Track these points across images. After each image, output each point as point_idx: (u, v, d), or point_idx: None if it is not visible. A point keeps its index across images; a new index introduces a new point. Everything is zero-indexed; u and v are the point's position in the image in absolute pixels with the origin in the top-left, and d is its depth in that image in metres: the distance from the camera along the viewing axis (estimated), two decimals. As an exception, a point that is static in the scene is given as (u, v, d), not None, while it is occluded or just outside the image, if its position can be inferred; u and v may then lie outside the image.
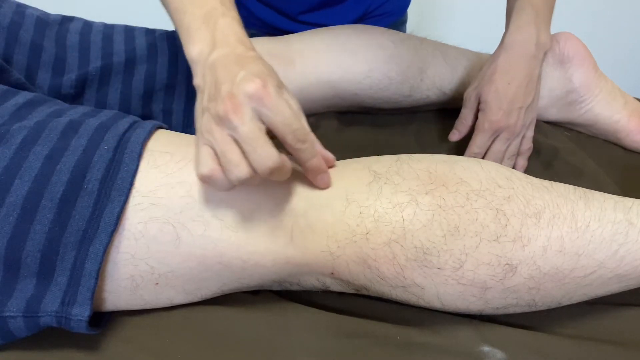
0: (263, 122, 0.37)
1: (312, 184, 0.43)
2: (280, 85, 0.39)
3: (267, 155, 0.37)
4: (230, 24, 0.43)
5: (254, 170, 0.37)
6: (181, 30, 0.45)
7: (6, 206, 0.38)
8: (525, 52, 0.58)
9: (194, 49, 0.43)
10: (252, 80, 0.37)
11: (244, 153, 0.37)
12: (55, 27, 0.61)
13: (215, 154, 0.38)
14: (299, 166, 0.42)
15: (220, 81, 0.38)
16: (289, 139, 0.38)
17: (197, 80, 0.42)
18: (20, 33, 0.57)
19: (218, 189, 0.39)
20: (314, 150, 0.40)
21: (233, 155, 0.37)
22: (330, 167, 0.45)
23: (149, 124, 0.45)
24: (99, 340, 0.42)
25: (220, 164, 0.38)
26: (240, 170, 0.37)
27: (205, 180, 0.39)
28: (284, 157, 0.38)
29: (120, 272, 0.40)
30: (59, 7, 0.75)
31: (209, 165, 0.38)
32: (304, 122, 0.40)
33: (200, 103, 0.41)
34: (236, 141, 0.37)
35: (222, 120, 0.37)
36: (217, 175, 0.38)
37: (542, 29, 0.58)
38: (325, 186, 0.43)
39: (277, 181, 0.41)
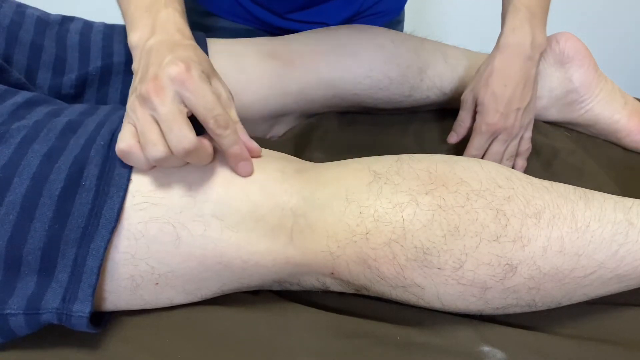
0: (185, 106, 0.39)
1: (312, 185, 0.43)
2: (208, 73, 0.41)
3: (183, 136, 0.38)
4: (172, 14, 0.46)
5: (170, 150, 0.38)
6: (126, 19, 0.48)
7: (6, 205, 0.38)
8: (521, 53, 0.58)
9: (135, 36, 0.46)
10: (176, 64, 0.39)
11: (162, 133, 0.38)
12: (55, 27, 0.61)
13: (137, 132, 0.40)
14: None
15: (150, 64, 0.41)
16: (210, 124, 0.39)
17: (134, 64, 0.45)
18: (20, 33, 0.57)
19: (135, 165, 0.41)
20: (236, 137, 0.41)
21: (151, 134, 0.38)
22: (256, 157, 0.45)
23: None
24: (99, 339, 0.42)
25: (139, 141, 0.39)
26: (157, 149, 0.38)
27: (123, 156, 0.40)
28: (205, 142, 0.40)
29: (121, 272, 0.40)
30: (59, 7, 0.75)
31: (127, 141, 0.39)
32: (230, 110, 0.42)
33: (133, 84, 0.43)
34: (156, 121, 0.39)
35: (145, 100, 0.39)
36: (134, 151, 0.39)
37: (538, 29, 0.59)
38: (245, 174, 0.43)
39: (199, 165, 0.42)
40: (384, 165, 0.44)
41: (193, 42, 0.44)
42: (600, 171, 0.66)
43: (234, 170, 0.43)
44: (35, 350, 0.41)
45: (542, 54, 0.60)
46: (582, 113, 0.72)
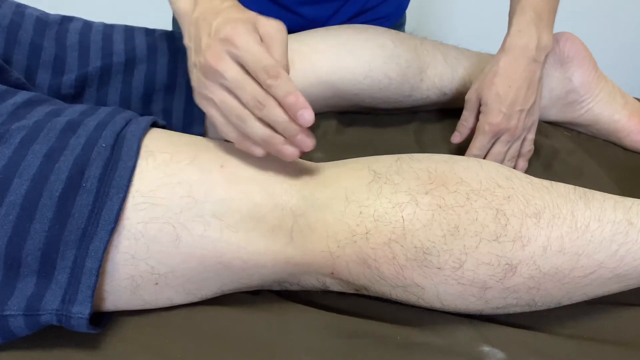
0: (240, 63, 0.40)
1: (312, 185, 0.43)
2: (254, 27, 0.41)
3: (258, 92, 0.39)
4: None
5: (249, 103, 0.39)
6: None
7: (6, 205, 0.38)
8: (526, 55, 0.59)
9: (180, 6, 0.48)
10: (222, 27, 0.40)
11: (237, 98, 0.40)
12: (55, 27, 0.61)
13: (216, 106, 0.41)
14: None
15: (201, 35, 0.42)
16: (260, 75, 0.39)
17: (185, 40, 0.46)
18: (20, 33, 0.57)
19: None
20: (290, 86, 0.39)
21: (232, 102, 0.40)
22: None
23: (144, 120, 0.45)
24: (99, 340, 0.42)
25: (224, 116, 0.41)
26: (242, 114, 0.40)
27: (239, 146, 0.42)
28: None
29: (120, 272, 0.40)
30: (59, 7, 0.75)
31: (228, 132, 0.42)
32: (279, 58, 0.40)
33: (190, 60, 0.44)
34: (227, 88, 0.40)
35: (209, 72, 0.40)
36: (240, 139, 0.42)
37: (544, 31, 0.59)
38: (307, 123, 0.39)
39: (283, 161, 0.42)
40: (383, 165, 0.44)
41: (234, 2, 0.45)
42: (600, 171, 0.66)
43: (296, 121, 0.39)
44: (35, 350, 0.41)
45: (547, 57, 0.60)
46: (582, 113, 0.72)
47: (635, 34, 1.54)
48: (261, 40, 0.41)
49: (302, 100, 0.39)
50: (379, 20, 0.86)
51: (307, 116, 0.39)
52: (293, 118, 0.39)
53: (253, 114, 0.40)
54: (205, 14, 0.43)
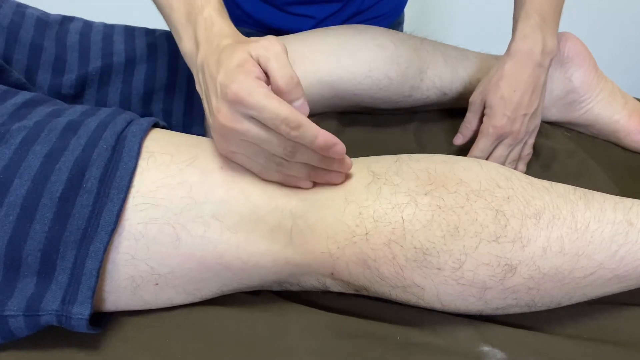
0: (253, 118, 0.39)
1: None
2: (258, 73, 0.39)
3: (282, 141, 0.39)
4: (209, 17, 0.45)
5: (280, 153, 0.40)
6: (171, 26, 0.49)
7: (6, 206, 0.38)
8: (532, 60, 0.59)
9: (185, 48, 0.47)
10: (228, 85, 0.38)
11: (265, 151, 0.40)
12: (55, 27, 0.61)
13: (249, 158, 0.41)
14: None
15: (209, 93, 0.41)
16: (283, 129, 0.38)
17: (197, 87, 0.46)
18: (20, 33, 0.58)
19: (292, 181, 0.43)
20: (313, 129, 0.39)
21: (264, 154, 0.40)
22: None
23: (145, 121, 0.45)
24: (99, 340, 0.42)
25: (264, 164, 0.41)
26: (278, 162, 0.41)
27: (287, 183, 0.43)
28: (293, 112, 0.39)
29: (120, 273, 0.40)
30: (59, 7, 0.75)
31: (272, 177, 0.42)
32: (283, 73, 0.39)
33: (205, 110, 0.44)
34: (253, 143, 0.40)
35: (228, 135, 0.40)
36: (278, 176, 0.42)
37: (549, 36, 0.59)
38: (340, 155, 0.41)
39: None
40: (383, 165, 0.44)
41: (232, 40, 0.43)
42: (600, 171, 0.66)
43: (333, 156, 0.40)
44: (35, 350, 0.41)
45: (552, 61, 0.61)
46: (582, 113, 0.72)
47: (635, 34, 1.54)
48: (260, 64, 0.40)
49: (330, 139, 0.39)
50: (376, 19, 0.86)
51: (340, 149, 0.40)
52: (326, 156, 0.41)
53: (286, 159, 0.41)
54: (208, 61, 0.42)
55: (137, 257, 0.40)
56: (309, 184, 0.43)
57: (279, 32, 0.75)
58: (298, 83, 0.40)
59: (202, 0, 0.46)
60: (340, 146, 0.40)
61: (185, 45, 0.46)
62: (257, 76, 0.39)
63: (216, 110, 0.39)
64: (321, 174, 0.43)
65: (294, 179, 0.43)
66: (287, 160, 0.41)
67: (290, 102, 0.39)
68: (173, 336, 0.43)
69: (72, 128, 0.43)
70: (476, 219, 0.40)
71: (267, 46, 0.40)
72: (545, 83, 0.62)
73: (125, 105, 0.61)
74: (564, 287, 0.42)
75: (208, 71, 0.42)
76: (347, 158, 0.42)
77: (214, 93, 0.40)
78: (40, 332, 0.40)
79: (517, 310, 0.44)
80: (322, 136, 0.39)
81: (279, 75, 0.39)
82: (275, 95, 0.38)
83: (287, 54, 0.41)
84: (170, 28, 0.49)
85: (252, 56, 0.40)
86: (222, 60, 0.40)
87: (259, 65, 0.40)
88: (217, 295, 0.45)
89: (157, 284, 0.42)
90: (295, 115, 0.38)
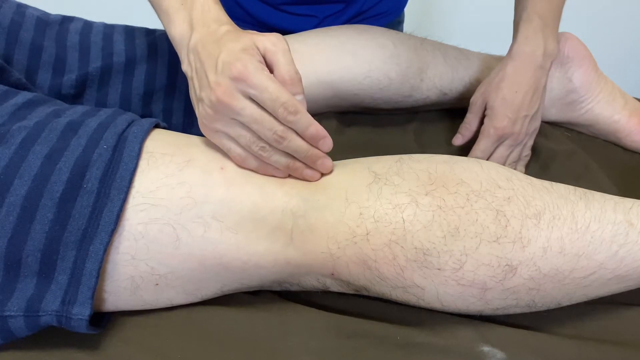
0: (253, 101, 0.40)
1: (312, 186, 0.43)
2: (260, 60, 0.41)
3: (275, 124, 0.40)
4: (205, 3, 0.46)
5: (268, 137, 0.41)
6: (161, 13, 0.48)
7: (6, 206, 0.38)
8: (533, 62, 0.60)
9: (174, 31, 0.46)
10: (232, 64, 0.39)
11: (253, 132, 0.41)
12: (55, 27, 0.61)
13: (232, 139, 0.42)
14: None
15: (205, 68, 0.42)
16: (280, 113, 0.40)
17: (184, 67, 0.46)
18: (20, 33, 0.58)
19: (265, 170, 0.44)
20: (308, 119, 0.41)
21: (251, 137, 0.41)
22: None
23: (146, 122, 0.45)
24: (99, 340, 0.42)
25: (242, 146, 0.42)
26: (263, 147, 0.41)
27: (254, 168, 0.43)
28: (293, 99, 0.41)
29: (120, 273, 0.40)
30: (59, 7, 0.75)
31: (249, 164, 0.43)
32: (287, 69, 0.41)
33: (193, 91, 0.44)
34: (242, 123, 0.40)
35: (220, 109, 0.41)
36: (257, 165, 0.43)
37: (550, 38, 0.60)
38: (328, 149, 0.44)
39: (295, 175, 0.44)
40: (383, 165, 0.44)
41: (231, 27, 0.44)
42: (600, 171, 0.66)
43: (318, 147, 0.43)
44: (35, 351, 0.41)
45: (552, 63, 0.61)
46: (582, 113, 0.72)
47: (635, 34, 1.54)
48: (264, 58, 0.41)
49: (321, 130, 0.42)
50: (376, 18, 0.86)
51: (329, 142, 0.43)
52: (315, 147, 0.43)
53: (272, 145, 0.42)
54: (205, 42, 0.43)
55: (137, 257, 0.40)
56: (283, 174, 0.44)
57: (280, 31, 0.75)
58: (301, 80, 0.42)
59: None
60: (330, 140, 0.43)
61: (176, 28, 0.46)
62: (260, 61, 0.40)
63: (215, 84, 0.40)
64: (300, 168, 0.44)
65: (270, 168, 0.43)
66: (271, 147, 0.42)
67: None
68: (173, 336, 0.43)
69: (72, 128, 0.43)
70: (477, 220, 0.40)
71: (275, 42, 0.42)
72: (546, 85, 0.62)
73: (125, 105, 0.61)
74: (564, 288, 0.42)
75: (204, 51, 0.42)
76: (330, 161, 0.45)
77: (212, 69, 0.41)
78: (40, 332, 0.40)
79: (518, 310, 0.44)
80: (315, 126, 0.42)
81: (285, 70, 0.41)
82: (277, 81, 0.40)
83: (291, 54, 0.42)
84: (159, 14, 0.49)
85: (257, 47, 0.41)
86: (225, 42, 0.42)
87: (264, 58, 0.41)
88: (217, 296, 0.45)
89: (157, 284, 0.42)
90: (294, 101, 0.40)
